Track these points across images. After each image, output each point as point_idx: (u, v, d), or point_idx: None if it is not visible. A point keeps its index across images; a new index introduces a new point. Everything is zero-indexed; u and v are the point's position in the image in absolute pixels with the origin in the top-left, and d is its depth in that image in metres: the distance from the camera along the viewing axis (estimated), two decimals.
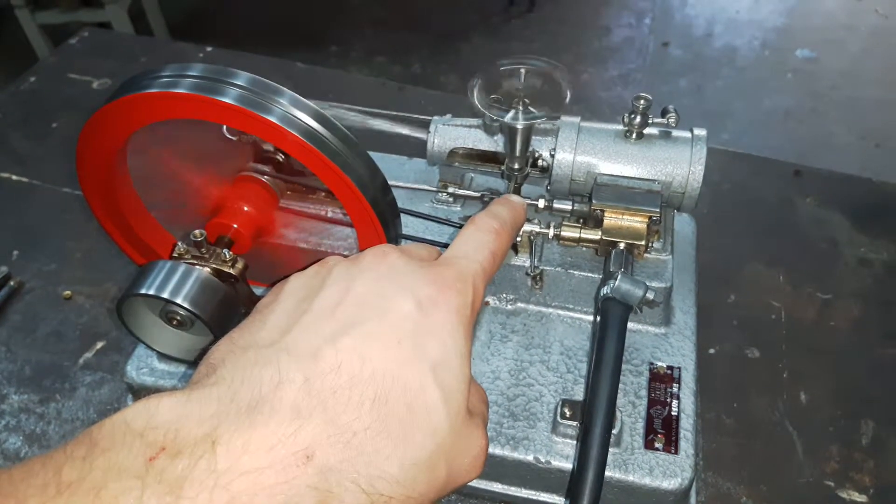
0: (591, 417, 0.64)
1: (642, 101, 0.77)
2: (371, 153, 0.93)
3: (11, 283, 1.00)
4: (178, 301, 0.66)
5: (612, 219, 0.76)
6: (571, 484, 0.70)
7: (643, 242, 0.75)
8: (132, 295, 0.67)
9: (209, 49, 1.37)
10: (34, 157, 1.20)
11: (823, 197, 1.11)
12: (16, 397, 0.89)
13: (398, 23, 3.84)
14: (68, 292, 1.00)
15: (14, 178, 1.16)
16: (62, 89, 1.32)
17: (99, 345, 0.94)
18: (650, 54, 3.64)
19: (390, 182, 0.73)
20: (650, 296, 0.69)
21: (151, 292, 0.66)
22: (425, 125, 0.88)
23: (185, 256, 0.71)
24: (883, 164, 3.06)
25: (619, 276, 0.69)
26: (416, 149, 0.91)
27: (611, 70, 3.56)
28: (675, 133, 0.80)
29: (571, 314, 0.85)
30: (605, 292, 0.70)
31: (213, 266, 0.71)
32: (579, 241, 0.77)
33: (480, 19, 3.87)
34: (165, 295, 0.66)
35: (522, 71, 0.73)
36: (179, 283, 0.67)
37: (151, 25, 3.29)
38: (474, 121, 0.84)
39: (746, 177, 1.14)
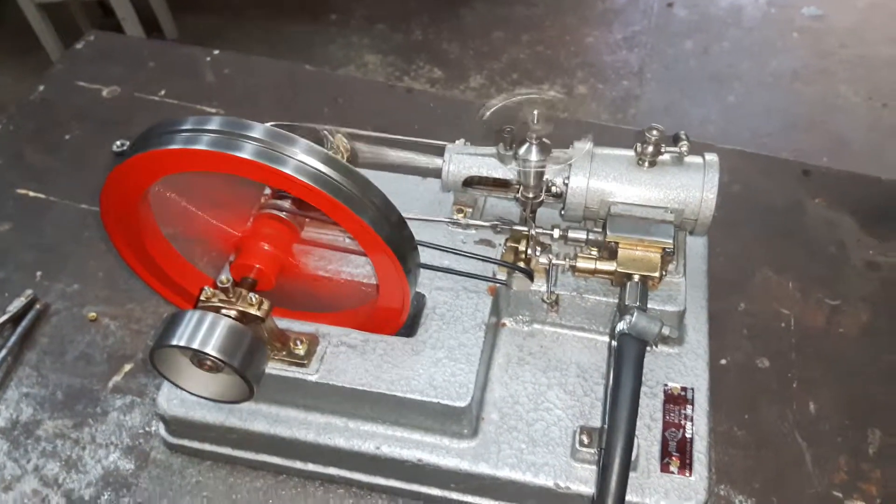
0: (610, 455, 0.66)
1: (655, 133, 0.78)
2: (385, 174, 0.95)
3: (38, 305, 1.02)
4: (208, 351, 0.68)
5: (626, 250, 0.78)
6: None
7: (657, 274, 0.76)
8: (164, 346, 0.69)
9: (216, 52, 1.37)
10: (50, 172, 1.21)
11: (832, 197, 1.12)
12: (50, 423, 0.92)
13: None
14: (93, 314, 1.02)
15: (31, 194, 1.18)
16: (72, 98, 1.32)
17: (127, 367, 0.97)
18: (655, 15, 3.59)
19: (405, 208, 0.74)
20: (666, 332, 0.71)
21: (182, 343, 0.68)
22: (439, 150, 0.89)
23: (213, 300, 0.73)
24: (891, 124, 3.03)
25: (635, 314, 0.71)
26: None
27: (615, 33, 3.50)
28: (688, 159, 0.81)
29: (587, 335, 0.87)
30: (621, 328, 0.72)
31: (240, 309, 0.73)
32: (594, 272, 0.79)
33: None
34: (195, 346, 0.68)
35: (535, 111, 0.73)
36: (208, 333, 0.69)
37: None
38: (488, 149, 0.85)
39: (755, 177, 1.15)
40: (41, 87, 1.34)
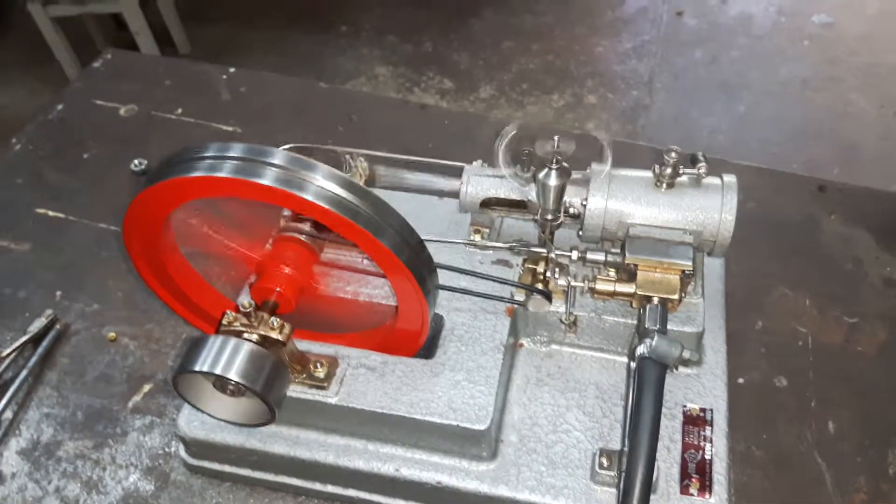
0: (631, 480, 0.66)
1: (673, 155, 0.78)
2: (402, 194, 0.95)
3: (58, 326, 1.03)
4: (231, 376, 0.69)
5: (645, 272, 0.78)
6: None
7: (677, 296, 0.77)
8: (187, 371, 0.70)
9: (232, 70, 1.38)
10: (68, 191, 1.22)
11: (848, 213, 1.12)
12: (71, 443, 0.93)
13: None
14: (113, 334, 1.03)
15: (51, 213, 1.19)
16: (90, 116, 1.34)
17: (146, 388, 0.98)
18: (664, 24, 3.59)
19: (422, 229, 0.74)
20: (686, 355, 0.71)
21: (205, 369, 0.69)
22: (457, 171, 0.89)
23: (235, 324, 0.74)
24: None
25: (655, 337, 0.72)
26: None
27: (625, 42, 3.51)
28: (706, 181, 0.81)
29: (605, 355, 0.87)
30: (641, 352, 0.72)
31: (261, 333, 0.74)
32: (614, 294, 0.79)
33: None
34: (218, 371, 0.69)
35: (556, 137, 0.74)
36: (230, 358, 0.70)
37: (161, 12, 3.27)
38: (506, 171, 0.85)
39: (770, 193, 1.15)
40: (59, 107, 1.35)
